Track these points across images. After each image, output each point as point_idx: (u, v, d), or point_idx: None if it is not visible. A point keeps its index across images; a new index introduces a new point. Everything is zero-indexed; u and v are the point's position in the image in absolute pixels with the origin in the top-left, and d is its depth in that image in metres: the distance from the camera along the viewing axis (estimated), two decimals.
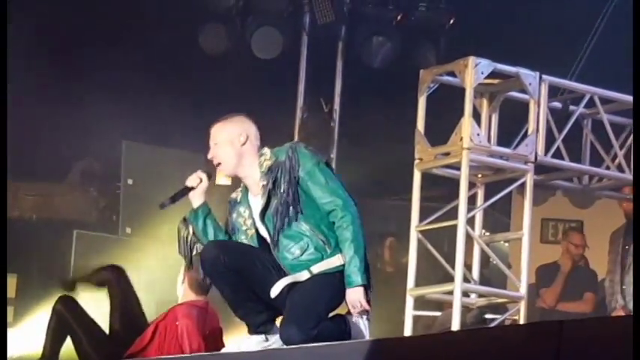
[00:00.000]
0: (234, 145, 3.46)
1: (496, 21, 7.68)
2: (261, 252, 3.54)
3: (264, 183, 3.42)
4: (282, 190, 3.45)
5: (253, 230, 3.52)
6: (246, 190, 3.53)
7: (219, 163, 3.45)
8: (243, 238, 3.58)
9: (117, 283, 4.74)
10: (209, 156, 3.50)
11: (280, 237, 3.42)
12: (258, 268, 3.48)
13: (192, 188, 3.54)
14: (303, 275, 3.37)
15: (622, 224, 6.38)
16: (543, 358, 2.10)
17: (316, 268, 3.32)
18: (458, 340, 2.91)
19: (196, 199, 3.47)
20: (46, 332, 4.56)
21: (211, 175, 3.56)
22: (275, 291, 3.26)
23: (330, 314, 3.38)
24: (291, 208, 3.44)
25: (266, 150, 3.47)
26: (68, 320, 4.54)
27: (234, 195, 3.59)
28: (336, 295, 3.31)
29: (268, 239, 3.48)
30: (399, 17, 7.88)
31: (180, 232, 3.55)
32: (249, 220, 3.54)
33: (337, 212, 3.36)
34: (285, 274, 3.36)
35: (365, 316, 3.31)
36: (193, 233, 3.50)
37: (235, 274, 3.43)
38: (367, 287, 3.24)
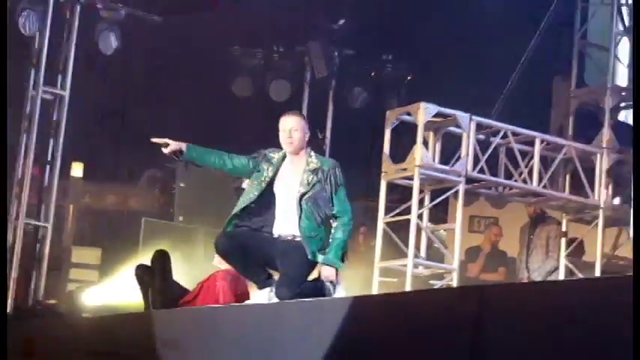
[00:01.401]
0: (304, 132, 3.65)
1: (440, 76, 8.03)
2: (255, 233, 3.72)
3: (311, 177, 3.63)
4: (322, 189, 3.63)
5: (264, 186, 3.69)
6: (281, 161, 3.72)
7: (292, 142, 3.63)
8: (254, 181, 3.79)
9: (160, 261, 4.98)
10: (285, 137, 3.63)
11: (303, 216, 3.60)
12: (255, 245, 3.68)
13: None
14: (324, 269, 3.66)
15: (527, 221, 6.71)
16: (469, 310, 2.31)
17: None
18: (408, 299, 3.38)
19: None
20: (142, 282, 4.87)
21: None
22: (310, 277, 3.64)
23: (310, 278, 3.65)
24: (321, 204, 3.63)
25: (313, 153, 3.74)
26: (155, 269, 4.89)
27: (272, 154, 3.73)
28: (312, 267, 3.60)
29: (278, 205, 3.73)
30: (372, 74, 8.55)
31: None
32: (267, 179, 3.71)
33: (344, 219, 3.62)
34: (275, 244, 3.66)
35: (332, 284, 3.57)
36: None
37: (241, 251, 3.68)
38: (337, 270, 3.58)
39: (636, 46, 4.61)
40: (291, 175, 3.76)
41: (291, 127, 3.66)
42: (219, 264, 4.71)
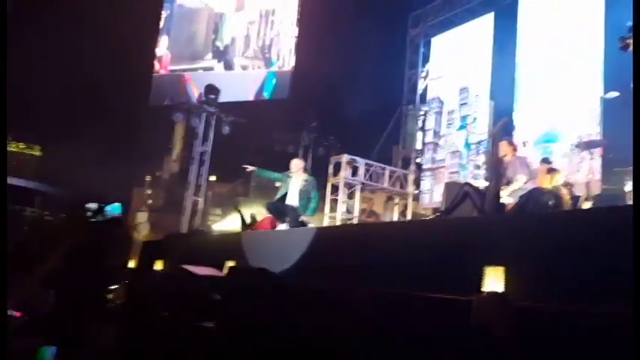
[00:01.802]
0: (301, 165, 8.62)
1: (352, 143, 14.48)
2: (282, 204, 8.06)
3: (304, 183, 8.20)
4: (307, 188, 8.24)
5: (287, 187, 8.20)
6: (289, 178, 8.30)
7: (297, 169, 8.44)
8: (283, 184, 8.28)
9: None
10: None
11: (299, 199, 8.17)
12: (282, 208, 8.15)
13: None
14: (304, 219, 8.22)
15: (385, 198, 15.06)
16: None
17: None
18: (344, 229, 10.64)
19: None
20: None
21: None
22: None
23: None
24: (306, 194, 8.20)
25: (305, 174, 8.41)
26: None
27: (289, 173, 8.29)
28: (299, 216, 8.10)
29: (290, 194, 8.17)
30: (325, 143, 15.17)
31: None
32: (288, 183, 8.20)
33: (315, 200, 8.33)
34: (288, 208, 8.12)
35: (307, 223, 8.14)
36: None
37: (276, 209, 8.31)
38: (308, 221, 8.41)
39: (636, 46, 4.42)
40: (297, 182, 8.29)
41: (296, 164, 8.50)
42: (267, 213, 8.94)
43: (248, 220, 9.57)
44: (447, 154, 13.79)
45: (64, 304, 5.45)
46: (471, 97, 13.53)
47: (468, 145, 13.36)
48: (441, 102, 14.28)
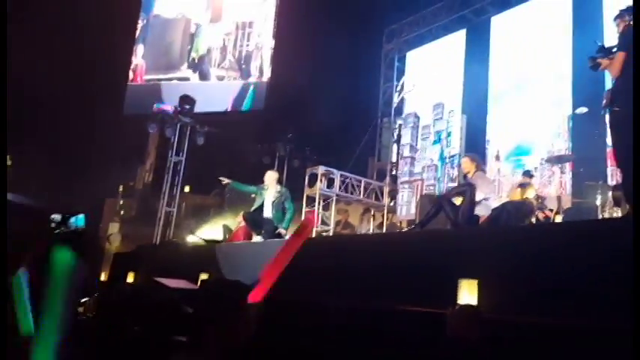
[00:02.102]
0: (275, 177, 8.89)
1: (327, 154, 14.54)
2: (258, 214, 8.33)
3: (277, 194, 8.54)
4: (281, 200, 8.59)
5: (262, 198, 8.47)
6: (267, 188, 8.56)
7: (270, 181, 8.69)
8: (258, 196, 8.45)
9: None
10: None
11: (273, 211, 8.48)
12: (258, 219, 8.38)
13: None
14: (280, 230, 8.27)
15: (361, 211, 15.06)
16: None
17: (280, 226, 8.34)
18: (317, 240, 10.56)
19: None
20: None
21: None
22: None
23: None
24: (280, 205, 8.54)
25: (279, 185, 8.77)
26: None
27: (264, 185, 8.52)
28: (276, 229, 8.20)
29: (265, 206, 8.42)
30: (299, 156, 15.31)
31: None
32: (263, 195, 8.51)
33: (291, 212, 8.55)
34: (264, 220, 8.34)
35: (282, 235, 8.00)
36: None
37: (253, 221, 8.50)
38: (286, 230, 8.23)
39: (636, 46, 4.33)
40: (271, 194, 8.55)
41: (269, 176, 8.74)
42: (241, 223, 9.11)
43: (220, 237, 9.66)
44: (424, 167, 13.96)
45: None
46: (445, 113, 13.75)
47: (442, 158, 13.52)
48: (417, 117, 14.49)
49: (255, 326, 2.38)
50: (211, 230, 11.41)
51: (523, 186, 8.25)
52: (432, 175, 13.68)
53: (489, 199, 6.84)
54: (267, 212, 8.35)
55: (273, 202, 8.32)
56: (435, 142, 13.90)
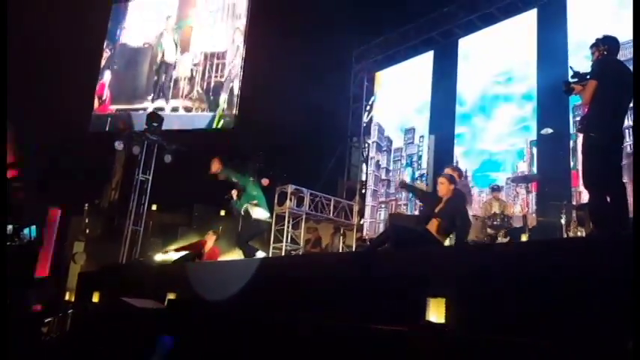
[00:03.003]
0: None
1: (297, 173, 13.63)
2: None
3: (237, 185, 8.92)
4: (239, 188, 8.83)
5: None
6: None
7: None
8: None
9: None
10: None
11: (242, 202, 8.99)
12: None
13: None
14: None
15: (332, 231, 15.07)
16: None
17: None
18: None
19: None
20: None
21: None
22: None
23: None
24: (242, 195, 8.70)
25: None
26: None
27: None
28: None
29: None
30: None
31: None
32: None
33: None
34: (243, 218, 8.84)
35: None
36: None
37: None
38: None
39: (636, 46, 4.50)
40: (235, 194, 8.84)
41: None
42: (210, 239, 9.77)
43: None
44: (396, 188, 14.21)
45: None
46: (416, 138, 14.17)
47: (414, 179, 13.84)
48: (390, 141, 14.81)
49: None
50: (179, 248, 11.15)
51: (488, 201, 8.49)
52: (404, 196, 13.94)
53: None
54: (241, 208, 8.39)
55: (238, 194, 8.40)
56: (406, 166, 14.23)
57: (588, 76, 5.04)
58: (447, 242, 6.57)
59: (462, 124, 13.08)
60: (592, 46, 5.21)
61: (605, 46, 5.09)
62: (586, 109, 5.13)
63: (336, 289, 4.67)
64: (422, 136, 13.99)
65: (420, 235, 5.87)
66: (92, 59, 17.81)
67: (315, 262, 6.19)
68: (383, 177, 14.97)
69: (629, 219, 4.71)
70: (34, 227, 11.37)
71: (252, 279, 5.80)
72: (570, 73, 5.21)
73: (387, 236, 5.87)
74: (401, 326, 3.62)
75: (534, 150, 11.15)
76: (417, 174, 13.87)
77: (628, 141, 9.08)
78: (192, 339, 4.89)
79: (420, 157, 13.95)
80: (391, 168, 14.75)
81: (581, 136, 5.03)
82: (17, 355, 7.39)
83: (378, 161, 15.15)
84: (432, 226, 5.99)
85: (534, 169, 11.01)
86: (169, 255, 9.73)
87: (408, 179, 13.89)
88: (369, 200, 14.95)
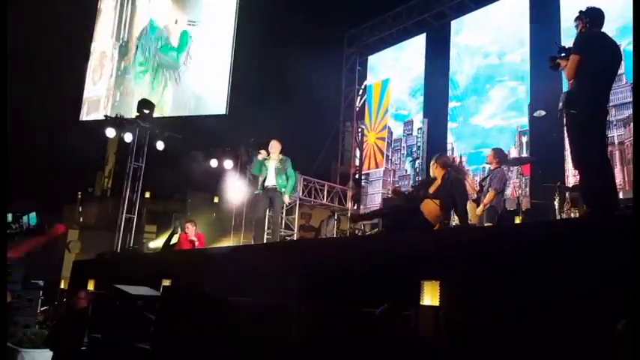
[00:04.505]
0: (278, 146, 8.50)
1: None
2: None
3: (279, 163, 8.47)
4: (283, 166, 8.50)
5: (266, 172, 8.49)
6: (267, 160, 8.52)
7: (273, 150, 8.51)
8: (263, 173, 8.48)
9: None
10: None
11: (277, 177, 8.45)
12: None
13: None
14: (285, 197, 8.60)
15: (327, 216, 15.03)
16: None
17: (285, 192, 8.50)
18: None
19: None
20: None
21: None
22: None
23: None
24: (281, 173, 8.49)
25: (281, 154, 8.55)
26: None
27: (265, 160, 8.50)
28: None
29: (269, 174, 8.41)
30: None
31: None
32: (265, 170, 8.50)
33: (293, 181, 8.71)
34: (270, 190, 8.40)
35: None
36: None
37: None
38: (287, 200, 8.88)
39: (636, 46, 4.34)
40: (274, 162, 8.54)
41: (273, 145, 8.54)
42: (187, 229, 9.61)
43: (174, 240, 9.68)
44: (398, 177, 14.31)
45: None
46: (414, 129, 14.20)
47: (414, 166, 13.90)
48: (391, 132, 14.83)
49: None
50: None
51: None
52: (407, 184, 13.97)
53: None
54: (271, 180, 8.44)
55: (277, 168, 8.42)
56: (407, 156, 14.27)
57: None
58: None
59: (456, 106, 13.07)
60: (576, 19, 5.03)
61: (588, 18, 4.91)
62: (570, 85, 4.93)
63: (331, 275, 4.66)
64: (420, 128, 14.04)
65: (410, 212, 5.81)
66: (83, 47, 17.79)
67: (309, 247, 6.17)
68: (389, 167, 14.97)
69: (617, 198, 4.65)
70: (33, 214, 11.28)
71: (247, 265, 5.78)
72: (556, 48, 5.09)
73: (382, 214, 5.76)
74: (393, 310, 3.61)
75: (524, 138, 11.20)
76: (416, 164, 13.92)
77: (614, 116, 9.33)
78: (187, 325, 4.88)
79: (419, 148, 13.99)
80: (392, 158, 14.79)
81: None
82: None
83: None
84: (427, 207, 5.99)
85: (528, 151, 11.03)
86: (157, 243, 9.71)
87: (409, 168, 14.00)
88: (373, 189, 14.94)
